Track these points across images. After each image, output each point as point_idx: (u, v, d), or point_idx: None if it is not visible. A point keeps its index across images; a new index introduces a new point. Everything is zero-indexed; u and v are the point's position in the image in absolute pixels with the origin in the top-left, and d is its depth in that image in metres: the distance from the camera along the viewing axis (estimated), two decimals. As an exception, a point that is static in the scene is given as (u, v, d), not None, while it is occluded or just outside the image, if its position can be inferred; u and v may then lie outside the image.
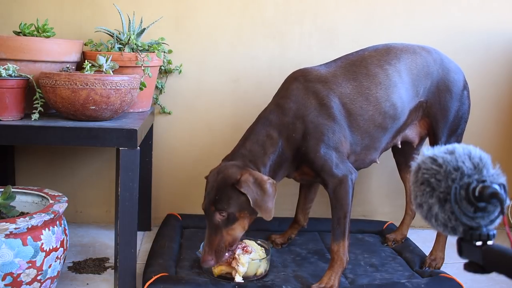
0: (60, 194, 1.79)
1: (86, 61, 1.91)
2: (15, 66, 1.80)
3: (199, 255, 1.88)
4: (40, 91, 1.83)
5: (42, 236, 1.55)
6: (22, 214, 1.69)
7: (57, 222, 1.64)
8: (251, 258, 1.81)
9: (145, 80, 2.08)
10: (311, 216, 2.21)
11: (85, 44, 2.16)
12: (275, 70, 2.42)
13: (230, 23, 2.41)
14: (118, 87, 1.77)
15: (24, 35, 1.94)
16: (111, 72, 1.91)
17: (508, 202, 0.79)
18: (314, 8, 2.42)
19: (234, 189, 1.68)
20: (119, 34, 2.15)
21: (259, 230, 2.24)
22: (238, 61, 2.43)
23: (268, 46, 2.43)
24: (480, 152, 0.83)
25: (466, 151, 0.82)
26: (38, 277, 1.56)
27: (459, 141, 2.01)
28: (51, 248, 1.58)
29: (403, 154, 2.18)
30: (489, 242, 0.80)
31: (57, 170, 2.44)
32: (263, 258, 1.85)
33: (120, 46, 2.11)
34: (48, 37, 1.97)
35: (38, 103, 1.83)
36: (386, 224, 2.39)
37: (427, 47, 2.03)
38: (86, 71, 1.87)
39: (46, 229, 1.57)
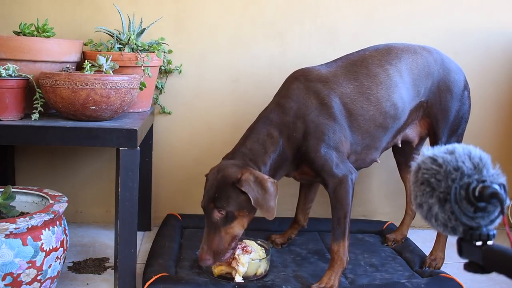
0: (60, 194, 1.79)
1: (86, 61, 1.91)
2: (15, 66, 1.80)
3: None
4: (40, 91, 1.83)
5: (42, 236, 1.55)
6: (22, 214, 1.69)
7: (57, 222, 1.64)
8: (251, 258, 1.81)
9: (145, 80, 2.08)
10: (311, 216, 2.21)
11: (85, 44, 2.16)
12: (275, 70, 2.42)
13: (230, 23, 2.41)
14: (118, 87, 1.77)
15: (24, 35, 1.94)
16: (111, 72, 1.91)
17: (508, 202, 0.79)
18: (314, 8, 2.42)
19: (234, 188, 1.68)
20: (119, 34, 2.15)
21: (259, 230, 2.24)
22: (238, 61, 2.43)
23: (268, 46, 2.43)
24: (480, 152, 0.82)
25: (466, 151, 0.82)
26: (38, 277, 1.56)
27: (459, 141, 2.01)
28: (51, 248, 1.58)
29: (404, 154, 2.18)
30: (489, 242, 0.80)
31: (57, 170, 2.44)
32: (263, 258, 1.85)
33: (120, 46, 2.11)
34: (48, 37, 1.97)
35: (38, 103, 1.83)
36: (386, 224, 2.39)
37: (428, 47, 2.03)
38: (86, 71, 1.87)
39: (46, 229, 1.57)
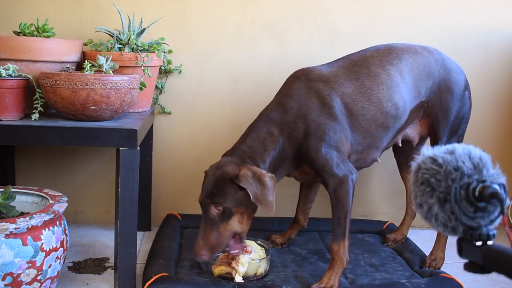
0: (60, 194, 1.79)
1: (86, 61, 1.91)
2: (15, 66, 1.80)
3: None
4: (40, 91, 1.83)
5: (42, 236, 1.55)
6: (22, 214, 1.69)
7: (57, 222, 1.64)
8: (251, 258, 1.81)
9: (145, 80, 2.08)
10: (311, 216, 2.21)
11: (85, 44, 2.16)
12: (275, 70, 2.42)
13: (230, 23, 2.41)
14: (118, 87, 1.77)
15: (24, 35, 1.94)
16: (111, 72, 1.91)
17: (508, 202, 0.79)
18: (314, 8, 2.42)
19: (232, 184, 1.68)
20: (119, 34, 2.15)
21: (259, 230, 2.24)
22: (238, 61, 2.43)
23: (268, 46, 2.43)
24: (480, 152, 0.82)
25: (466, 151, 0.82)
26: (38, 277, 1.56)
27: (460, 141, 2.01)
28: (51, 248, 1.58)
29: (404, 154, 2.18)
30: (489, 242, 0.80)
31: (57, 170, 2.44)
32: (263, 258, 1.85)
33: (120, 46, 2.11)
34: (48, 37, 1.97)
35: (38, 103, 1.83)
36: (386, 224, 2.39)
37: (428, 47, 2.03)
38: (86, 71, 1.87)
39: (46, 229, 1.57)
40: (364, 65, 1.91)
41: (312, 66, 1.96)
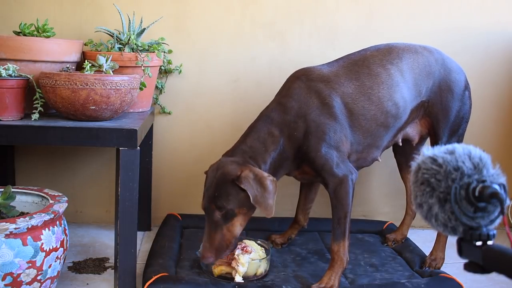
0: (60, 194, 1.79)
1: (86, 61, 1.91)
2: (15, 66, 1.80)
3: (199, 255, 1.88)
4: (40, 91, 1.83)
5: (42, 236, 1.55)
6: (22, 214, 1.69)
7: (57, 222, 1.64)
8: (251, 258, 1.81)
9: (145, 80, 2.08)
10: (311, 216, 2.21)
11: (85, 44, 2.16)
12: (275, 70, 2.42)
13: (230, 23, 2.41)
14: (118, 87, 1.77)
15: (24, 35, 1.94)
16: (111, 72, 1.91)
17: (508, 202, 0.79)
18: (314, 8, 2.42)
19: (234, 185, 1.68)
20: (119, 34, 2.15)
21: (259, 230, 2.24)
22: (238, 61, 2.43)
23: (268, 46, 2.43)
24: (480, 152, 0.82)
25: (466, 151, 0.82)
26: (38, 277, 1.56)
27: (460, 141, 2.01)
28: (51, 248, 1.58)
29: (404, 154, 2.18)
30: (489, 242, 0.80)
31: (57, 170, 2.44)
32: (263, 258, 1.85)
33: (120, 46, 2.11)
34: (48, 37, 1.97)
35: (38, 103, 1.83)
36: (386, 224, 2.39)
37: (428, 47, 2.03)
38: (86, 71, 1.87)
39: (46, 229, 1.57)
40: (365, 64, 1.91)
41: (312, 66, 1.95)
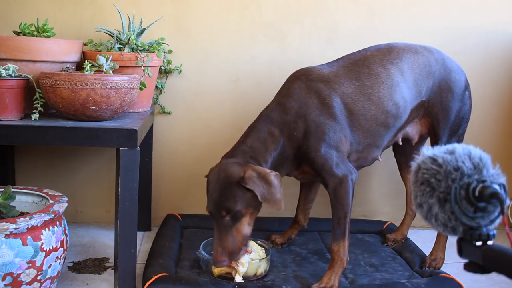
0: (60, 194, 1.79)
1: (86, 61, 1.91)
2: (15, 66, 1.80)
3: (199, 255, 1.89)
4: (40, 91, 1.83)
5: (42, 236, 1.55)
6: (22, 214, 1.69)
7: (57, 222, 1.64)
8: (251, 258, 1.81)
9: (145, 80, 2.08)
10: (311, 216, 2.21)
11: (85, 44, 2.16)
12: (275, 70, 2.42)
13: (230, 23, 2.41)
14: (118, 87, 1.77)
15: (24, 35, 1.94)
16: (111, 72, 1.91)
17: (508, 202, 0.79)
18: (314, 8, 2.42)
19: (239, 187, 1.67)
20: (119, 34, 2.15)
21: (259, 230, 2.23)
22: (238, 61, 2.43)
23: (268, 46, 2.43)
24: (480, 152, 0.82)
25: (466, 151, 0.82)
26: (38, 277, 1.56)
27: (460, 141, 2.01)
28: (51, 248, 1.58)
29: (404, 154, 2.18)
30: (489, 242, 0.80)
31: (57, 170, 2.44)
32: (263, 258, 1.85)
33: (120, 46, 2.11)
34: (48, 37, 1.97)
35: (38, 103, 1.83)
36: (386, 224, 2.39)
37: (429, 47, 2.03)
38: (86, 71, 1.87)
39: (46, 229, 1.57)
40: (365, 64, 1.91)
41: (312, 66, 1.95)
